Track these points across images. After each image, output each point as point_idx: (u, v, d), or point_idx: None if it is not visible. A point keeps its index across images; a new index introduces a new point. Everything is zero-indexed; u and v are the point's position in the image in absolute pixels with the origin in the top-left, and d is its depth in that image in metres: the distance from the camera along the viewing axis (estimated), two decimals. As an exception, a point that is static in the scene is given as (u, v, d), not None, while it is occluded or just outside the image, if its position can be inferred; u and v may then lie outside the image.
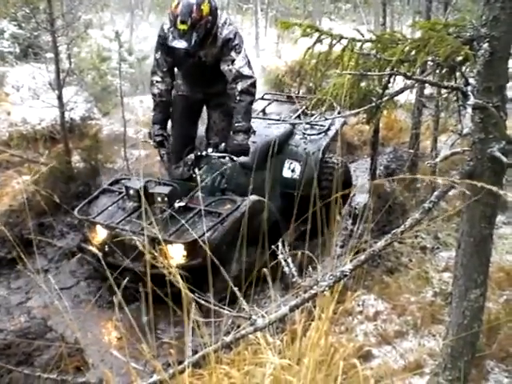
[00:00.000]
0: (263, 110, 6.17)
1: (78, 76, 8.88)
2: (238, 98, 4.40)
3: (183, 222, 3.84)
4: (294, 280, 2.14)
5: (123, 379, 2.61)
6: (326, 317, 2.46)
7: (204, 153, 4.61)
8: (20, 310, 4.20)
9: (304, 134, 5.42)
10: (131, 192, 4.34)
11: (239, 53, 4.38)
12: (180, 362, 2.11)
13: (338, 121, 5.60)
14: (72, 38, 6.77)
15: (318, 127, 5.53)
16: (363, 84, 2.76)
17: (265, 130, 5.22)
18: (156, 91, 4.72)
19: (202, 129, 5.08)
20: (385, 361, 3.11)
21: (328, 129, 5.50)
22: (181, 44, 4.19)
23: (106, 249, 4.18)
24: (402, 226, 1.98)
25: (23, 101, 8.70)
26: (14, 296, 4.50)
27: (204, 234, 3.71)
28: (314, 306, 2.51)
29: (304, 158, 5.20)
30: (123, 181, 4.77)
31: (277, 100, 6.52)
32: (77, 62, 8.61)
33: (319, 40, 2.37)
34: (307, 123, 5.48)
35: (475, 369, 2.80)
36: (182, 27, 4.13)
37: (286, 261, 2.19)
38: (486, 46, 2.08)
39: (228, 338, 2.02)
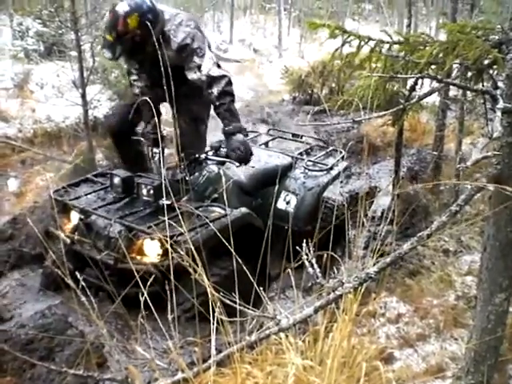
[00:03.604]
0: (266, 144, 5.88)
1: (102, 74, 8.97)
2: (217, 102, 4.05)
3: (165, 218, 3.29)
4: (317, 281, 2.14)
5: (146, 376, 2.63)
6: (349, 318, 2.46)
7: (203, 156, 4.31)
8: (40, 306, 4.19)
9: (305, 168, 5.14)
10: (116, 181, 4.09)
11: (202, 56, 4.06)
12: (204, 361, 2.12)
13: (341, 164, 5.43)
14: (96, 36, 6.80)
15: (320, 165, 5.25)
16: (389, 86, 2.75)
17: (266, 158, 5.03)
18: (137, 90, 4.46)
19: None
20: (407, 363, 3.10)
21: (331, 168, 5.21)
22: (107, 54, 4.04)
23: (76, 236, 3.91)
24: (429, 229, 1.97)
25: (47, 98, 8.82)
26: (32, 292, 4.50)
27: (184, 233, 3.32)
28: (337, 308, 2.51)
29: (302, 191, 4.90)
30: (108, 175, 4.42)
31: (281, 137, 6.20)
32: (100, 61, 8.67)
33: (347, 41, 2.36)
34: (310, 160, 5.25)
35: (497, 373, 2.78)
36: (109, 38, 3.94)
37: (310, 262, 2.19)
38: (514, 49, 2.07)
39: (252, 338, 2.02)
